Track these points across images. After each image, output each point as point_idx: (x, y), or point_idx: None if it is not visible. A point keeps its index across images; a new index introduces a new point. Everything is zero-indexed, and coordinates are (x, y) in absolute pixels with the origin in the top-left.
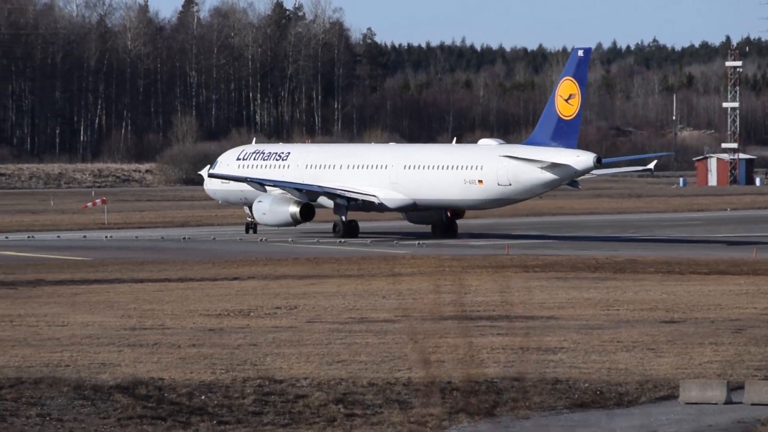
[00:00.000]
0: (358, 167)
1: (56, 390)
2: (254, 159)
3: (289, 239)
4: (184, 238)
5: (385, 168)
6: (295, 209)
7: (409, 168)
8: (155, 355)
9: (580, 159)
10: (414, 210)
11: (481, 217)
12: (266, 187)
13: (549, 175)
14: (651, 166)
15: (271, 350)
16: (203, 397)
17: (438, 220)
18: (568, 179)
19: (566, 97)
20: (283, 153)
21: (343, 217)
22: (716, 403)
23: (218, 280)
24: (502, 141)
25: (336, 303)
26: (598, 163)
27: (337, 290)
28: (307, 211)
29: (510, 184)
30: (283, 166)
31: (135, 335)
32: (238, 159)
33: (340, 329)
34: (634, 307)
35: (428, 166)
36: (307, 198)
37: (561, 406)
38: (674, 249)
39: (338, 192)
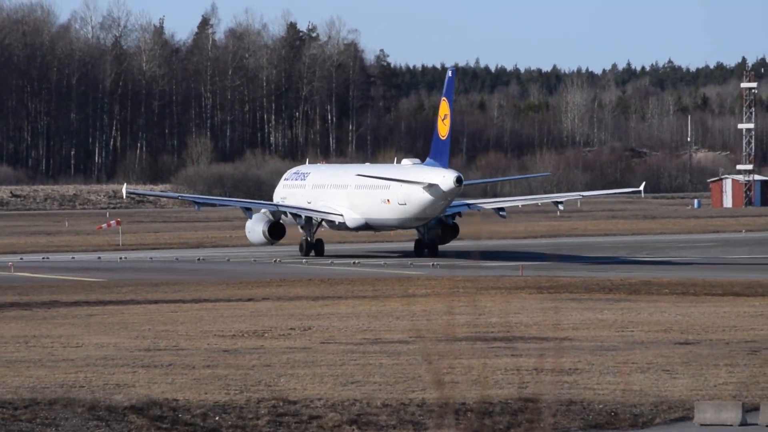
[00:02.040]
0: (338, 187)
1: (71, 411)
2: (293, 179)
3: (303, 260)
4: (198, 259)
5: (346, 188)
6: (264, 228)
7: (359, 188)
8: (169, 376)
9: (445, 179)
10: (368, 229)
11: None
12: (251, 208)
13: (428, 195)
14: (641, 188)
15: (285, 371)
16: (217, 418)
17: (419, 238)
18: (444, 199)
19: (442, 117)
20: (305, 173)
21: (309, 237)
22: (731, 425)
23: (232, 301)
24: (418, 161)
25: (350, 324)
26: (458, 184)
27: (351, 311)
28: (276, 230)
29: (405, 204)
30: (302, 186)
31: (149, 356)
32: (285, 179)
33: (354, 350)
34: (649, 329)
35: (363, 186)
36: (274, 218)
37: (575, 428)
38: (689, 270)
39: (298, 212)
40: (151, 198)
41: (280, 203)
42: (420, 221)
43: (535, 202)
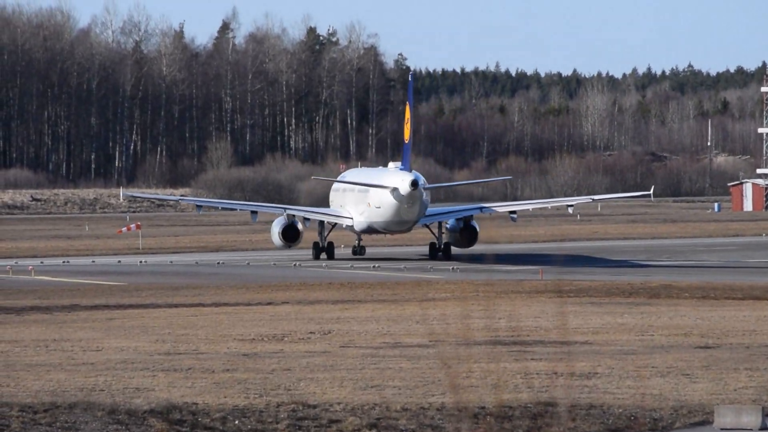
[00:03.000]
0: (352, 191)
1: (91, 414)
2: (338, 183)
3: (323, 264)
4: (218, 263)
5: (353, 192)
6: (279, 231)
7: (360, 192)
8: (189, 380)
9: (403, 182)
10: (372, 232)
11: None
12: (255, 212)
13: (393, 199)
14: (651, 191)
15: (305, 375)
16: (237, 422)
17: (433, 241)
18: (408, 202)
19: (405, 122)
20: (344, 177)
21: (320, 240)
22: (751, 429)
23: (252, 304)
24: (401, 166)
25: (370, 328)
26: (413, 187)
27: (371, 315)
28: (290, 234)
29: (380, 207)
30: (336, 190)
31: (169, 360)
32: (337, 181)
33: (374, 354)
34: (669, 333)
35: (362, 190)
36: (288, 221)
37: None
38: (709, 274)
39: (308, 215)
40: (171, 202)
41: (333, 208)
42: (400, 224)
43: (546, 206)
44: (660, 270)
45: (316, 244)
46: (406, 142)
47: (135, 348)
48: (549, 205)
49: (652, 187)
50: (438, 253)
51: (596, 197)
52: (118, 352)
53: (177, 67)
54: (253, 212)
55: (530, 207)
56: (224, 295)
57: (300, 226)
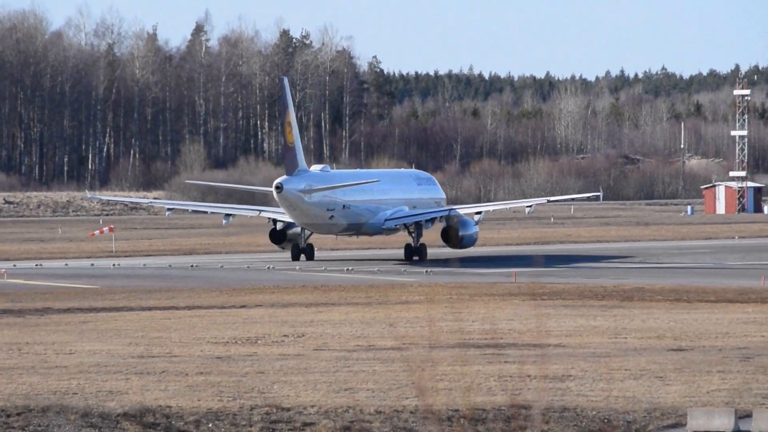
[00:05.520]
0: None
1: (64, 418)
2: None
3: (297, 267)
4: (191, 266)
5: None
6: (269, 234)
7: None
8: (163, 383)
9: (275, 185)
10: (354, 233)
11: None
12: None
13: (279, 202)
14: (599, 193)
15: (279, 378)
16: (210, 425)
17: (408, 243)
18: (288, 204)
19: (287, 125)
20: None
21: (298, 242)
22: None
23: (226, 307)
24: (327, 167)
25: (343, 331)
26: (278, 190)
27: (344, 318)
28: (276, 236)
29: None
30: None
31: (142, 363)
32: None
33: (347, 357)
34: (642, 335)
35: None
36: (274, 225)
37: None
38: (682, 277)
39: (281, 218)
40: (145, 205)
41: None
42: (315, 227)
43: (506, 207)
44: (633, 272)
45: (295, 246)
46: (291, 145)
47: (108, 351)
48: (508, 206)
49: (600, 189)
50: (414, 256)
51: (552, 198)
52: (91, 356)
53: (150, 69)
54: (227, 215)
55: (491, 208)
56: (198, 298)
57: (281, 227)
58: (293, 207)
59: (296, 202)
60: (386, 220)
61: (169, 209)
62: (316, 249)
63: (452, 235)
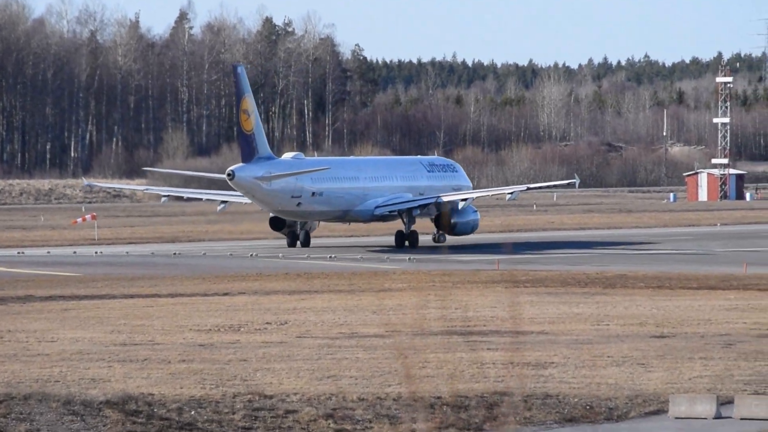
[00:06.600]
0: None
1: (46, 406)
2: None
3: (280, 254)
4: (174, 254)
5: None
6: (269, 222)
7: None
8: (145, 371)
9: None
10: (339, 219)
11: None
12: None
13: (266, 191)
14: (575, 180)
15: (261, 366)
16: (193, 413)
17: (400, 229)
18: (243, 191)
19: (244, 112)
20: None
21: (295, 228)
22: (706, 418)
23: (208, 295)
24: (301, 154)
25: (326, 318)
26: (230, 177)
27: (327, 305)
28: (274, 223)
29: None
30: None
31: (125, 351)
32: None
33: (330, 344)
34: (624, 322)
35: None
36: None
37: (551, 421)
38: (664, 264)
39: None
40: (128, 192)
41: None
42: (282, 214)
43: (489, 194)
44: (615, 260)
45: (291, 232)
46: (248, 132)
47: (90, 339)
48: (491, 194)
49: (576, 176)
50: (404, 242)
51: (532, 186)
52: (74, 343)
53: (132, 57)
54: (223, 201)
55: (475, 195)
56: (180, 285)
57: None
58: (251, 194)
59: (253, 189)
60: (377, 207)
61: (164, 196)
62: (314, 236)
63: (444, 222)
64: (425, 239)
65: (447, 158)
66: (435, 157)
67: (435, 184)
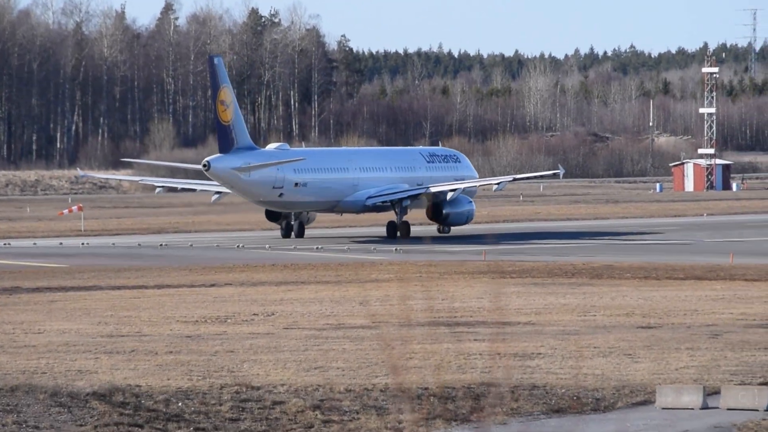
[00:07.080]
0: None
1: (32, 397)
2: None
3: (267, 246)
4: (161, 245)
5: None
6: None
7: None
8: (132, 362)
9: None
10: (329, 210)
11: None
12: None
13: (245, 182)
14: (560, 170)
15: (248, 357)
16: (180, 404)
17: (392, 219)
18: (221, 181)
19: (222, 103)
20: None
21: (289, 219)
22: (692, 408)
23: (195, 286)
24: (286, 145)
25: (313, 309)
26: (205, 168)
27: (314, 297)
28: (270, 215)
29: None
30: None
31: (112, 342)
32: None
33: (317, 336)
34: (611, 313)
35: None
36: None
37: (538, 412)
38: (651, 254)
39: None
40: (114, 183)
41: None
42: (266, 205)
43: (474, 185)
44: (602, 250)
45: (286, 224)
46: (226, 123)
47: (77, 330)
48: (479, 184)
49: (560, 166)
50: (396, 233)
51: (518, 177)
52: (60, 335)
53: (118, 48)
54: (218, 192)
55: (462, 186)
56: (167, 276)
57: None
58: (230, 185)
59: (231, 179)
60: (368, 198)
61: (159, 187)
62: (313, 227)
63: (435, 213)
64: (424, 230)
65: (450, 149)
66: (437, 148)
67: (435, 174)
